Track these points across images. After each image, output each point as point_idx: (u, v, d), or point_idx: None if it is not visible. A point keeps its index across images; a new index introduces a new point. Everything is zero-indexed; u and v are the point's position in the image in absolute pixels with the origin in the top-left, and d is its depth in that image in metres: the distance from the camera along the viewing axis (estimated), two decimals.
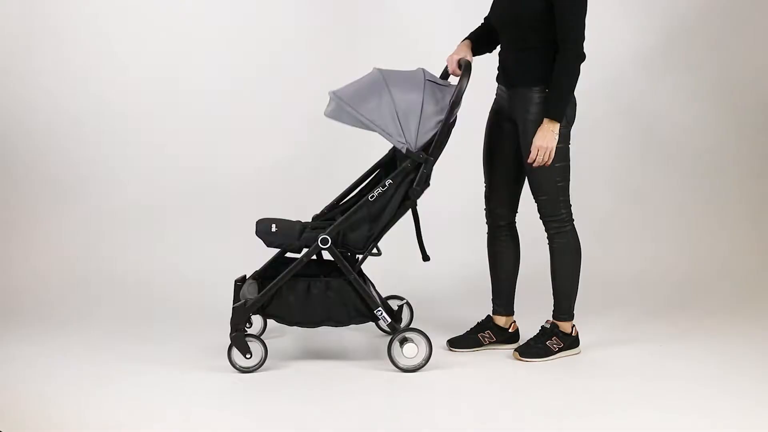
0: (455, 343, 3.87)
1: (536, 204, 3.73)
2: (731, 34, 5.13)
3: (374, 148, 4.00)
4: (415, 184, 3.59)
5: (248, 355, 3.56)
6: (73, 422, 3.16)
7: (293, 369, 3.63)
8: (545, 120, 3.58)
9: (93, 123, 4.86)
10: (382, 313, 3.58)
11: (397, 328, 3.61)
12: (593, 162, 4.93)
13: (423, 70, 3.68)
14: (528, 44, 3.61)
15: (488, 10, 3.80)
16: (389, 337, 3.60)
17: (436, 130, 3.57)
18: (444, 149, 3.63)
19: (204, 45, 4.90)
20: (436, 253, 3.82)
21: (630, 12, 5.08)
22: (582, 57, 3.56)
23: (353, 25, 4.99)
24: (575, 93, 3.65)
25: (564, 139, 3.64)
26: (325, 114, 3.63)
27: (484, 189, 3.86)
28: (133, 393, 3.39)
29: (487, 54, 3.84)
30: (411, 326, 3.77)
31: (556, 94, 3.56)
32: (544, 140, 3.58)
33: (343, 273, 3.58)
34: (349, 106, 3.56)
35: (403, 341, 3.57)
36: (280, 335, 3.97)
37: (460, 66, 3.67)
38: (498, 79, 3.79)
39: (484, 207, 3.87)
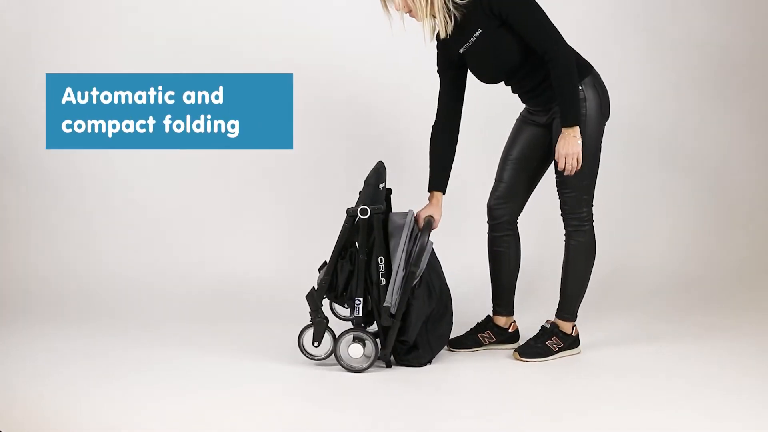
0: (455, 344, 3.87)
1: (559, 200, 3.72)
2: (736, 35, 5.13)
3: (369, 147, 4.02)
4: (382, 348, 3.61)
5: (316, 344, 3.62)
6: (73, 422, 3.15)
7: (292, 368, 3.63)
8: (563, 129, 3.57)
9: None
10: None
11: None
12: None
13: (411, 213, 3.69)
14: (533, 80, 3.62)
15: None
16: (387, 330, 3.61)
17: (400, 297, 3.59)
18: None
19: (204, 44, 4.90)
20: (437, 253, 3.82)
21: (633, 13, 5.08)
22: (570, 54, 3.55)
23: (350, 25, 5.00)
24: (606, 86, 3.65)
25: (597, 136, 3.64)
26: None
27: (491, 187, 3.85)
28: (133, 393, 3.38)
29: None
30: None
31: (565, 101, 3.54)
32: (567, 147, 3.56)
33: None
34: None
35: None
36: (278, 335, 3.97)
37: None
38: (529, 104, 3.78)
39: (487, 205, 3.87)
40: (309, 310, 3.63)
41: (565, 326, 3.80)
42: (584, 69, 3.64)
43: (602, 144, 3.67)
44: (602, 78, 3.67)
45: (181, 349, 3.82)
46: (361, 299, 3.60)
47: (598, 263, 3.81)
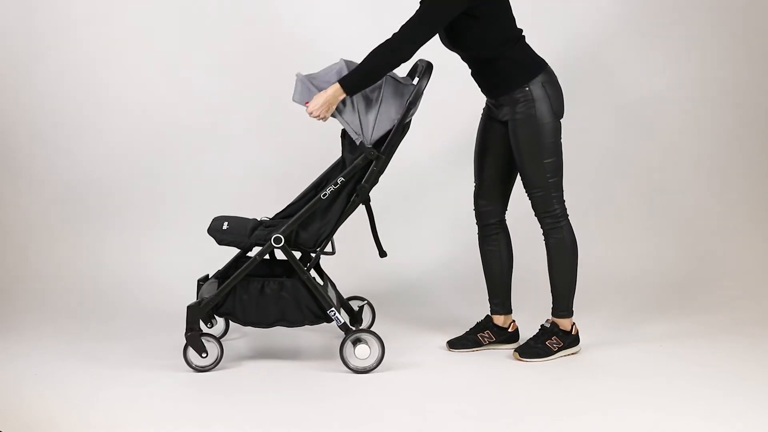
0: (455, 344, 3.87)
1: (530, 201, 3.73)
2: (732, 30, 5.13)
3: None
4: (363, 181, 3.57)
5: (204, 354, 3.55)
6: (74, 423, 3.16)
7: (292, 368, 3.64)
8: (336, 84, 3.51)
9: (93, 124, 4.86)
10: (335, 314, 3.57)
11: (350, 328, 3.60)
12: (592, 160, 4.93)
13: None
14: (486, 59, 3.61)
15: None
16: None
17: (391, 127, 3.54)
18: (396, 151, 3.58)
19: (204, 45, 4.90)
20: (432, 253, 3.81)
21: (625, 4, 5.06)
22: (398, 53, 3.47)
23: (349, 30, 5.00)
24: (562, 85, 3.65)
25: (554, 133, 3.64)
26: (293, 99, 3.56)
27: (473, 190, 3.86)
28: (133, 394, 3.39)
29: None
30: (365, 327, 3.71)
31: (356, 67, 3.53)
32: (320, 99, 3.49)
33: (296, 272, 3.58)
34: (315, 89, 3.52)
35: (356, 342, 3.57)
36: (281, 335, 3.97)
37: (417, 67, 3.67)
38: (482, 92, 3.79)
39: (473, 207, 3.88)
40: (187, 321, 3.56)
41: (565, 323, 3.80)
42: (536, 66, 3.64)
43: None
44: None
45: (183, 350, 3.82)
46: (334, 308, 3.57)
47: (599, 264, 3.81)
